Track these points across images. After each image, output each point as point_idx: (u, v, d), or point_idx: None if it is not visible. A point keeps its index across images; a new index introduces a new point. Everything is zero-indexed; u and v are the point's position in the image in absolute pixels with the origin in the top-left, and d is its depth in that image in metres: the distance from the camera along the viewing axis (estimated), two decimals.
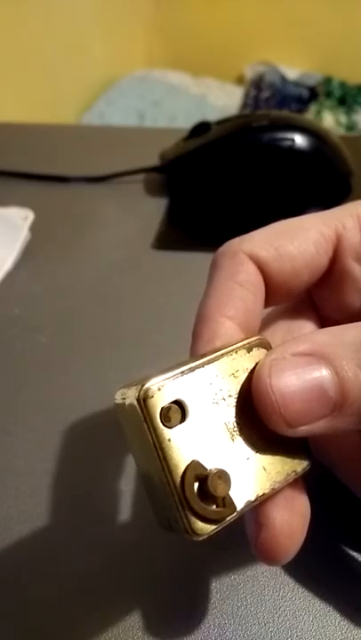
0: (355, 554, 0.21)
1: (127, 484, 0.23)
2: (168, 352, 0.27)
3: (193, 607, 0.20)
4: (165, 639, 0.19)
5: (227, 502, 0.15)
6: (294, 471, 0.16)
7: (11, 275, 0.36)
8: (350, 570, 0.20)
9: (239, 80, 1.51)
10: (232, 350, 0.16)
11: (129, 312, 0.33)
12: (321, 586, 0.20)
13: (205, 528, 0.15)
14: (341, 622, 0.19)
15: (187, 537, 0.15)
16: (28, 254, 0.38)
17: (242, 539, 0.17)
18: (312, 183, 0.41)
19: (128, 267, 0.37)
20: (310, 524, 0.17)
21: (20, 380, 0.29)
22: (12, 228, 0.38)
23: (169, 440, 0.15)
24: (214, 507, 0.15)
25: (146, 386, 0.15)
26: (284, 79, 1.39)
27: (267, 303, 0.20)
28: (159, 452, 0.15)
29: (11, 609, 0.20)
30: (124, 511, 0.23)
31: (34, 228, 0.39)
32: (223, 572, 0.20)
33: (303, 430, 0.15)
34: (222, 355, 0.16)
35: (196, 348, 0.18)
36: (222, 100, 1.34)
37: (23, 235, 0.38)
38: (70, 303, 0.34)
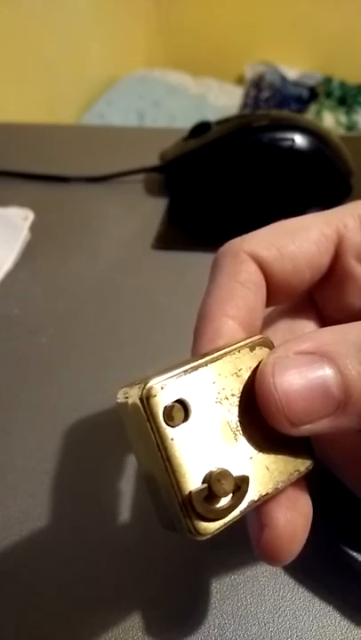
0: (355, 554, 0.21)
1: (127, 484, 0.23)
2: (168, 352, 0.28)
3: (193, 607, 0.20)
4: (165, 639, 0.19)
5: (231, 501, 0.15)
6: (297, 471, 0.16)
7: (11, 275, 0.36)
8: (350, 570, 0.20)
9: (239, 80, 1.51)
10: (235, 349, 0.16)
11: (129, 312, 0.33)
12: (321, 586, 0.20)
13: (209, 528, 0.15)
14: (341, 622, 0.19)
15: (190, 537, 0.15)
16: (28, 254, 0.38)
17: (242, 539, 0.17)
18: (312, 183, 0.40)
19: (128, 267, 0.37)
20: (311, 523, 0.17)
21: (20, 380, 0.29)
22: (12, 228, 0.38)
23: (172, 439, 0.15)
24: (217, 506, 0.15)
25: (149, 385, 0.15)
26: (284, 79, 1.39)
27: (268, 303, 0.20)
28: (162, 452, 0.15)
29: (11, 609, 0.20)
30: (125, 511, 0.23)
31: (34, 228, 0.39)
32: (223, 572, 0.20)
33: (306, 429, 0.15)
34: (225, 354, 0.16)
35: (198, 348, 0.18)
36: (222, 100, 1.34)
37: (23, 235, 0.38)
38: (70, 303, 0.34)
